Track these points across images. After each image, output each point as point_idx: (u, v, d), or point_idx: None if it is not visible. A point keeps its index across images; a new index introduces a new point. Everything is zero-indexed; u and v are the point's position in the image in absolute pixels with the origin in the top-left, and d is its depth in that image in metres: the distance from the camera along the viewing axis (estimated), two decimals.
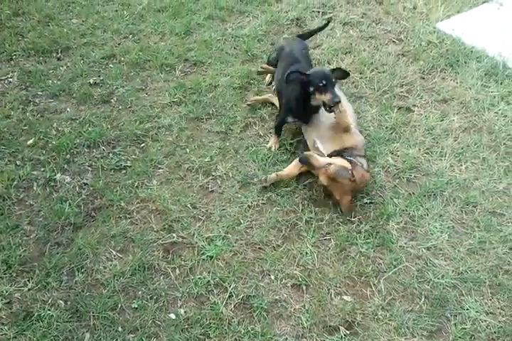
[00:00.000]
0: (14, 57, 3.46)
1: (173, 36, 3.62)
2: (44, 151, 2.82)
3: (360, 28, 3.83)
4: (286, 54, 2.85)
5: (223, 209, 2.54)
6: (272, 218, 2.49)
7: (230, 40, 3.63)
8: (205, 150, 2.84)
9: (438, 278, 2.28)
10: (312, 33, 3.25)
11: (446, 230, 2.49)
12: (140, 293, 2.21)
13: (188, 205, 2.55)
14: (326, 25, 3.33)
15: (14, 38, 3.59)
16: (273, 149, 2.79)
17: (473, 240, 2.45)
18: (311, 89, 2.49)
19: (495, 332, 2.12)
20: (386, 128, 3.00)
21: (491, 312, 2.19)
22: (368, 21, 3.91)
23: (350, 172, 2.38)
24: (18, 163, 2.75)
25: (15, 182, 2.64)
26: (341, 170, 2.38)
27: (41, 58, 3.46)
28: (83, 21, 3.78)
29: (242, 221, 2.49)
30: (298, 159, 2.54)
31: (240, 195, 2.60)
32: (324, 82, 2.44)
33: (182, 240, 2.41)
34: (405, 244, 2.43)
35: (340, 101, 2.47)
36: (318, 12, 3.98)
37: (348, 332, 2.11)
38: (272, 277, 2.28)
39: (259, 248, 2.38)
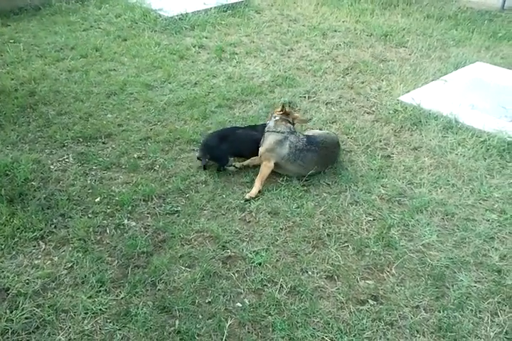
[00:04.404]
0: (66, 143, 4.58)
1: (194, 121, 4.88)
2: (109, 206, 3.80)
3: (339, 105, 5.23)
4: None
5: (261, 232, 3.53)
6: (301, 234, 3.49)
7: (239, 120, 4.91)
8: (238, 194, 3.90)
9: (434, 262, 3.25)
10: None
11: (434, 232, 3.52)
12: (210, 291, 3.08)
13: (234, 232, 3.53)
14: None
15: (63, 130, 4.75)
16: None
17: (456, 238, 3.48)
18: None
19: (485, 294, 3.05)
20: (374, 170, 4.17)
21: (478, 281, 3.14)
22: (345, 100, 5.33)
23: None
24: (89, 215, 3.71)
25: (91, 229, 3.57)
26: None
27: (89, 143, 4.60)
28: (117, 115, 5.03)
29: (278, 238, 3.47)
30: None
31: (272, 221, 3.61)
32: None
33: (235, 254, 3.34)
34: (405, 243, 3.43)
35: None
36: (304, 97, 5.40)
37: (375, 302, 3.01)
38: (310, 273, 3.21)
39: (295, 254, 3.34)
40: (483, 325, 2.86)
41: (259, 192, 3.87)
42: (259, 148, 4.10)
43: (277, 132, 4.07)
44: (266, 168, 3.97)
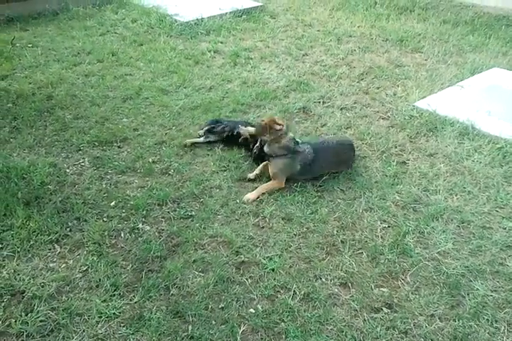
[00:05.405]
0: (82, 147, 4.62)
1: None
2: (124, 210, 3.82)
3: (354, 110, 5.21)
4: None
5: (275, 238, 3.52)
6: (315, 240, 3.47)
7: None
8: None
9: (450, 270, 3.22)
10: None
11: (450, 240, 3.48)
12: (223, 297, 3.08)
13: (247, 237, 3.52)
14: None
15: (79, 134, 4.79)
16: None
17: (472, 245, 3.44)
18: None
19: (501, 303, 3.01)
20: (389, 176, 4.14)
21: (494, 290, 3.10)
22: (360, 106, 5.31)
23: None
24: (104, 219, 3.73)
25: (106, 232, 3.59)
26: None
27: (104, 147, 4.62)
28: (133, 120, 5.06)
29: (291, 244, 3.46)
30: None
31: (286, 227, 3.60)
32: None
33: (248, 260, 3.33)
34: (421, 251, 3.40)
35: None
36: (319, 102, 5.39)
37: (389, 310, 2.98)
38: (323, 279, 3.19)
39: (309, 261, 3.32)
40: (500, 335, 2.82)
41: (258, 197, 3.91)
42: (271, 169, 4.03)
43: (284, 155, 4.00)
44: (276, 185, 3.98)
